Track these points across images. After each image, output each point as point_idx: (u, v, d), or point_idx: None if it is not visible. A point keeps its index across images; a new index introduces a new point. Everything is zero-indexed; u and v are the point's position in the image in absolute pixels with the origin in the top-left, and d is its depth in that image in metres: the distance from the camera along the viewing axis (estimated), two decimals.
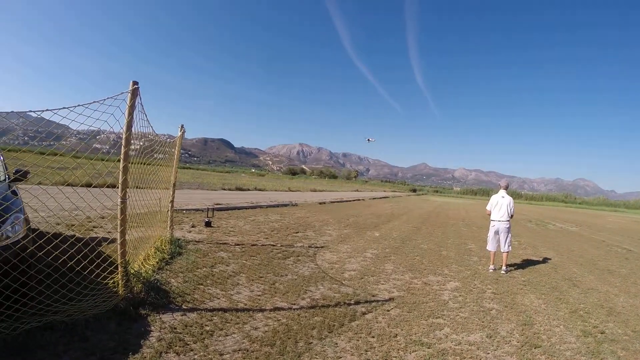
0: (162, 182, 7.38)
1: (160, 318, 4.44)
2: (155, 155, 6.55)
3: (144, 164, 5.78)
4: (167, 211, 8.22)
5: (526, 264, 10.19)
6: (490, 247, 9.10)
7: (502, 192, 9.11)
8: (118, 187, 4.51)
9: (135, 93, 4.52)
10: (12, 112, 3.75)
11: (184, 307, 4.88)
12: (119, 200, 4.50)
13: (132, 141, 4.59)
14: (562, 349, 4.74)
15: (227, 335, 4.22)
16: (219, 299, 5.32)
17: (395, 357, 4.14)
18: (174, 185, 8.53)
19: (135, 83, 4.53)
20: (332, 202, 28.93)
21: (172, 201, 8.43)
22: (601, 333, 5.40)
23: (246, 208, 17.51)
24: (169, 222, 8.28)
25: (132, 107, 4.48)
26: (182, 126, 8.40)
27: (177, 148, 8.35)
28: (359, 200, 37.22)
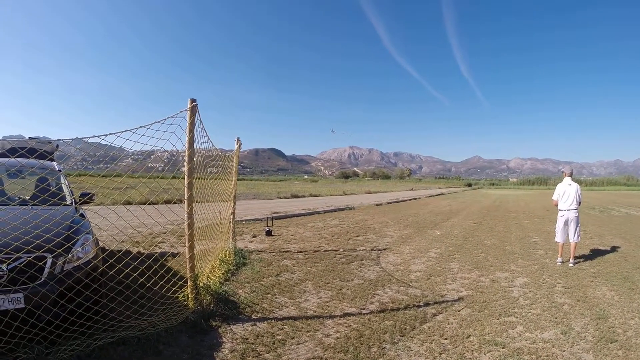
0: (222, 194, 7.47)
1: (231, 329, 4.45)
2: (214, 170, 6.66)
3: (204, 179, 5.87)
4: (229, 223, 8.32)
5: (594, 254, 9.71)
6: (559, 238, 8.71)
7: (567, 179, 8.72)
8: (184, 203, 4.58)
9: (194, 110, 4.59)
10: (75, 138, 3.85)
11: (253, 317, 4.88)
12: (186, 215, 4.57)
13: (194, 157, 4.67)
14: (638, 342, 4.46)
15: (299, 344, 4.18)
16: (287, 307, 5.30)
17: (470, 358, 4.01)
18: (235, 197, 8.63)
19: (193, 100, 4.60)
20: (388, 203, 28.75)
21: (233, 213, 8.53)
22: None
23: (304, 215, 17.62)
24: (231, 233, 8.38)
25: (192, 125, 4.55)
26: (238, 139, 8.50)
27: (235, 161, 8.45)
28: (415, 199, 36.73)
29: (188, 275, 4.69)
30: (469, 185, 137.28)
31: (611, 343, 4.41)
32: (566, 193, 8.58)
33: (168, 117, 4.29)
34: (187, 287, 4.77)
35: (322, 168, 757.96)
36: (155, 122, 4.14)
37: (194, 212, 4.67)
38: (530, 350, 4.20)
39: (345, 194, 39.39)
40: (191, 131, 4.54)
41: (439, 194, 51.08)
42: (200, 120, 4.91)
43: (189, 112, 4.53)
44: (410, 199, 35.40)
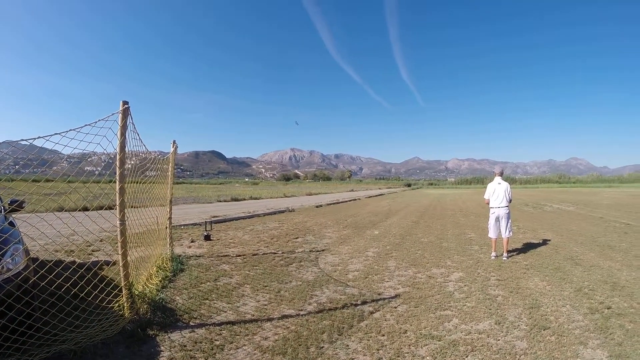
0: (158, 199, 7.34)
1: (169, 337, 4.41)
2: (149, 173, 6.52)
3: (139, 182, 5.75)
4: (166, 228, 8.18)
5: (527, 247, 10.26)
6: (492, 234, 9.17)
7: (497, 179, 9.18)
8: (116, 209, 4.48)
9: (126, 113, 4.50)
10: (4, 142, 3.72)
11: (191, 323, 4.85)
12: (118, 222, 4.47)
13: (125, 161, 4.57)
14: (570, 328, 4.78)
15: (237, 348, 4.19)
16: (225, 312, 5.29)
17: (407, 352, 4.14)
18: (171, 201, 8.49)
19: (125, 103, 4.51)
20: (328, 204, 28.96)
21: (169, 218, 8.39)
22: (607, 308, 5.45)
23: (244, 218, 17.50)
24: (168, 239, 8.24)
25: (124, 128, 4.46)
26: (174, 142, 8.38)
27: (170, 164, 8.31)
28: (355, 200, 37.19)
29: (122, 284, 4.61)
30: (409, 185, 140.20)
31: (544, 330, 4.70)
32: (496, 192, 9.04)
33: (99, 120, 4.17)
34: (122, 296, 4.68)
35: (263, 170, 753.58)
36: (86, 125, 4.02)
37: (126, 218, 4.59)
38: (465, 341, 4.40)
39: (286, 196, 39.40)
40: (123, 134, 4.45)
41: (379, 195, 51.94)
42: (133, 123, 4.81)
43: (120, 114, 4.43)
44: (350, 200, 35.80)
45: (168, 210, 8.35)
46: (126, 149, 4.57)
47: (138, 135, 5.27)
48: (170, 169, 8.34)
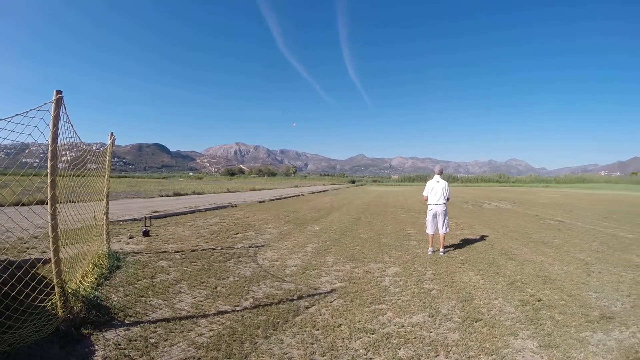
0: (95, 193, 7.20)
1: (104, 336, 4.39)
2: (87, 166, 6.37)
3: (75, 176, 5.62)
4: (102, 224, 8.04)
5: (464, 243, 10.69)
6: (429, 230, 9.52)
7: (436, 177, 9.54)
8: (47, 204, 4.40)
9: (59, 102, 4.38)
10: None
11: (126, 321, 4.83)
12: (49, 217, 4.38)
13: (61, 153, 4.49)
14: (502, 319, 5.06)
15: (172, 345, 4.22)
16: (161, 309, 5.29)
17: (341, 346, 4.26)
18: (107, 195, 8.33)
19: (59, 92, 4.38)
20: (271, 200, 28.89)
21: (106, 213, 8.23)
22: (538, 301, 5.80)
23: (185, 213, 17.27)
24: (105, 235, 8.09)
25: (56, 118, 4.34)
26: (112, 134, 8.23)
27: (107, 156, 8.11)
28: (299, 195, 37.26)
29: (55, 282, 4.53)
30: (353, 182, 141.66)
31: (476, 322, 4.96)
32: (434, 189, 9.43)
33: (31, 110, 4.04)
34: (55, 294, 4.60)
35: (208, 165, 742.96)
36: (17, 115, 3.92)
37: (58, 213, 4.50)
38: (399, 334, 4.59)
39: (230, 192, 39.00)
40: (55, 125, 4.33)
41: (323, 191, 52.21)
42: (67, 114, 4.70)
43: (53, 104, 4.32)
44: (294, 196, 35.81)
45: (105, 205, 8.19)
46: (59, 140, 4.47)
47: (72, 126, 5.14)
48: (107, 161, 8.15)
